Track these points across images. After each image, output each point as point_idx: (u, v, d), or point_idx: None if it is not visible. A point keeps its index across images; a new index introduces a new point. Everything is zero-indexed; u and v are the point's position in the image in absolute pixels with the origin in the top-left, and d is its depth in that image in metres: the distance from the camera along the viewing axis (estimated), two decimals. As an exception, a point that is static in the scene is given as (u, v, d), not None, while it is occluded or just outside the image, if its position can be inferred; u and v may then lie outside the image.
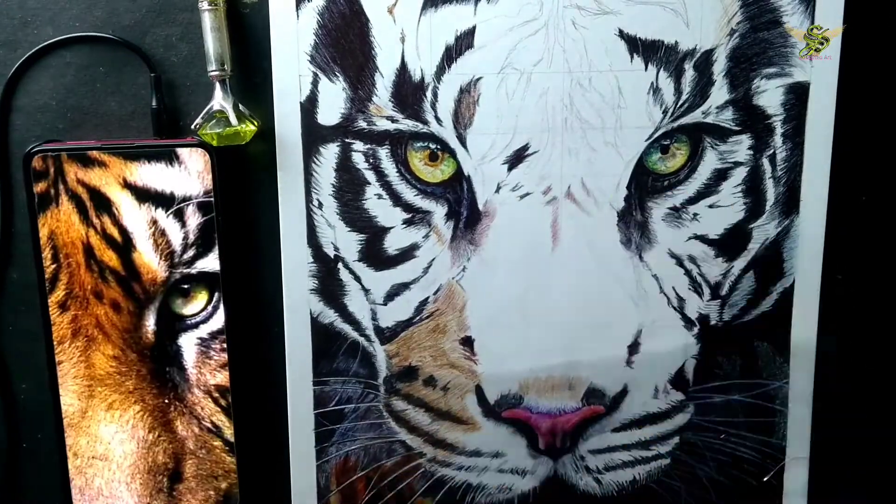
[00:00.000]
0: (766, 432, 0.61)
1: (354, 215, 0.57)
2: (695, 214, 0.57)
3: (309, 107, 0.55)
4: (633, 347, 0.59)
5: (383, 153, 0.56)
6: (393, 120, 0.55)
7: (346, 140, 0.56)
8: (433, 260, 0.57)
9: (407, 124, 0.55)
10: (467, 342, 0.58)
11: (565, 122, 0.56)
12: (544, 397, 0.59)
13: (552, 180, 0.56)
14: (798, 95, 0.56)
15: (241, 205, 0.56)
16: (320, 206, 0.57)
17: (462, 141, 0.56)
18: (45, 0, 0.54)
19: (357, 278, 0.58)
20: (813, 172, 0.57)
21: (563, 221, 0.57)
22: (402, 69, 0.55)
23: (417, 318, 0.58)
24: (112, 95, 0.56)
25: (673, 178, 0.57)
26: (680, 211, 0.57)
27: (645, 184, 0.57)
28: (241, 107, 0.55)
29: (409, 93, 0.55)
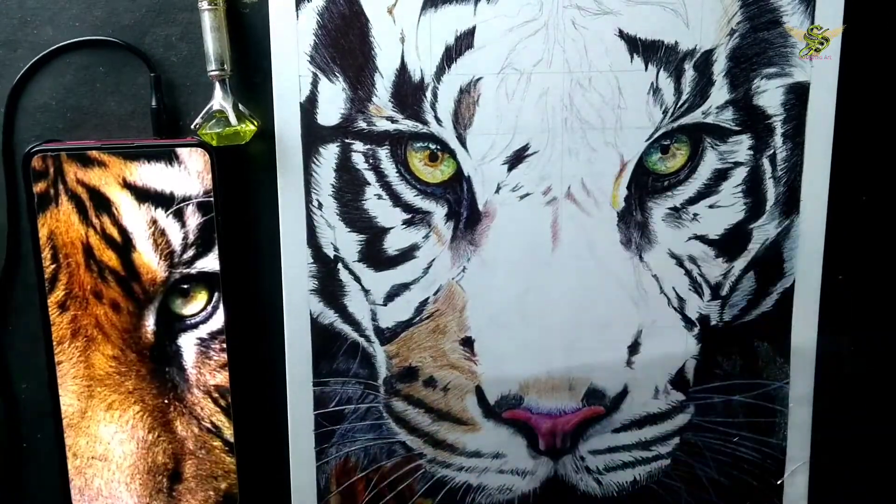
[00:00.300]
0: (766, 432, 0.61)
1: (354, 216, 0.57)
2: (695, 215, 0.57)
3: (309, 107, 0.55)
4: (634, 348, 0.59)
5: (383, 153, 0.56)
6: (393, 120, 0.55)
7: (346, 140, 0.56)
8: (433, 260, 0.57)
9: (407, 125, 0.55)
10: (467, 343, 0.58)
11: (565, 122, 0.56)
12: (544, 398, 0.59)
13: (552, 180, 0.56)
14: (798, 95, 0.56)
15: (241, 205, 0.56)
16: (320, 206, 0.56)
17: (462, 141, 0.56)
18: (44, 0, 0.54)
19: (357, 279, 0.58)
20: (813, 172, 0.57)
21: (563, 222, 0.57)
22: (402, 69, 0.55)
23: (417, 318, 0.58)
24: (112, 95, 0.56)
25: (673, 179, 0.57)
26: (680, 211, 0.57)
27: (645, 184, 0.57)
28: (240, 107, 0.55)
29: (408, 93, 0.55)
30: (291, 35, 0.54)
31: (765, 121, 0.56)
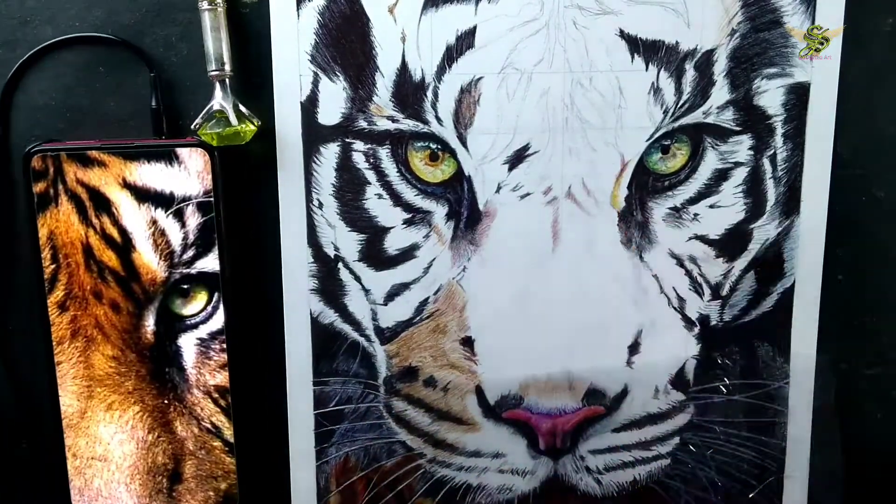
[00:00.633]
0: (766, 433, 0.61)
1: (355, 215, 0.57)
2: (695, 215, 0.57)
3: (309, 106, 0.55)
4: (634, 348, 0.59)
5: (384, 153, 0.56)
6: (393, 120, 0.55)
7: (347, 140, 0.56)
8: (433, 260, 0.57)
9: (407, 124, 0.55)
10: (467, 342, 0.58)
11: (566, 122, 0.56)
12: (544, 398, 0.59)
13: (553, 180, 0.56)
14: (798, 96, 0.56)
15: (241, 204, 0.56)
16: (320, 205, 0.56)
17: (462, 141, 0.56)
18: (44, 0, 0.54)
19: (357, 278, 0.58)
20: (813, 173, 0.57)
21: (563, 221, 0.57)
22: (403, 69, 0.55)
23: (417, 318, 0.58)
24: (112, 95, 0.56)
25: (673, 179, 0.57)
26: (680, 211, 0.57)
27: (645, 184, 0.57)
28: (241, 107, 0.54)
29: (409, 92, 0.55)
30: (292, 34, 0.54)
31: (765, 121, 0.56)
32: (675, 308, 0.59)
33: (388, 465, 0.60)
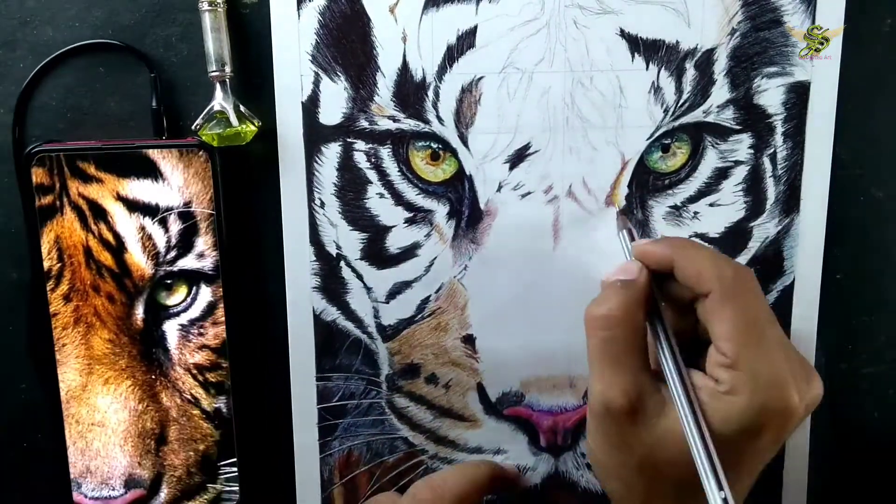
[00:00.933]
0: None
1: (356, 214, 0.57)
2: (695, 213, 0.57)
3: (311, 106, 0.55)
4: (634, 344, 0.59)
5: (385, 152, 0.56)
6: (394, 119, 0.55)
7: (348, 139, 0.56)
8: (435, 259, 0.58)
9: (409, 124, 0.55)
10: (469, 340, 0.59)
11: (567, 121, 0.56)
12: (545, 395, 0.59)
13: (553, 179, 0.56)
14: (799, 95, 0.56)
15: (243, 204, 0.57)
16: (322, 205, 0.57)
17: (464, 140, 0.56)
18: (44, 0, 0.54)
19: (359, 276, 0.58)
20: (813, 171, 0.57)
21: (564, 220, 0.57)
22: (404, 69, 0.55)
23: (419, 316, 0.59)
24: (112, 96, 0.55)
25: (674, 177, 0.57)
26: (680, 209, 0.57)
27: (646, 182, 0.57)
28: (241, 107, 0.54)
29: (410, 92, 0.55)
30: (293, 34, 0.54)
31: (765, 120, 0.56)
32: (674, 305, 0.59)
33: (390, 460, 0.61)
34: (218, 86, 0.54)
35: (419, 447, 0.61)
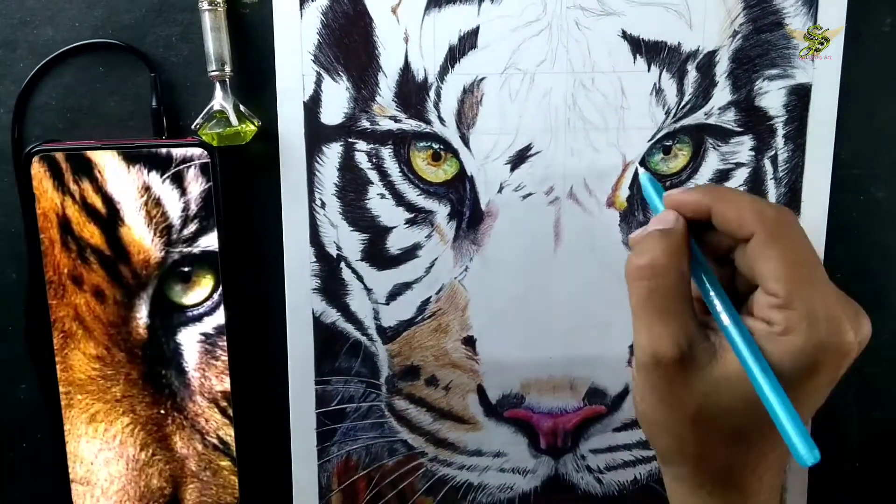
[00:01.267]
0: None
1: (357, 215, 0.57)
2: (696, 215, 0.57)
3: (312, 106, 0.55)
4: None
5: (386, 153, 0.56)
6: (396, 120, 0.55)
7: (350, 140, 0.56)
8: (435, 260, 0.57)
9: (410, 124, 0.55)
10: (469, 342, 0.59)
11: (568, 122, 0.56)
12: (545, 397, 0.59)
13: (555, 180, 0.56)
14: (800, 97, 0.56)
15: (243, 204, 0.56)
16: (323, 205, 0.56)
17: (465, 141, 0.56)
18: (44, 0, 0.54)
19: (359, 278, 0.58)
20: (814, 173, 0.57)
21: (565, 222, 0.57)
22: (406, 69, 0.55)
23: (419, 317, 0.58)
24: (112, 95, 0.55)
25: (675, 179, 0.57)
26: (682, 211, 0.57)
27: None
28: (241, 107, 0.54)
29: (412, 93, 0.55)
30: (295, 34, 0.54)
31: (766, 122, 0.57)
32: (675, 307, 0.59)
33: (389, 463, 0.61)
34: (218, 85, 0.54)
35: (419, 450, 0.60)
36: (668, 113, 0.56)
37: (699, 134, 0.56)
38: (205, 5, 0.53)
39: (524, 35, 0.54)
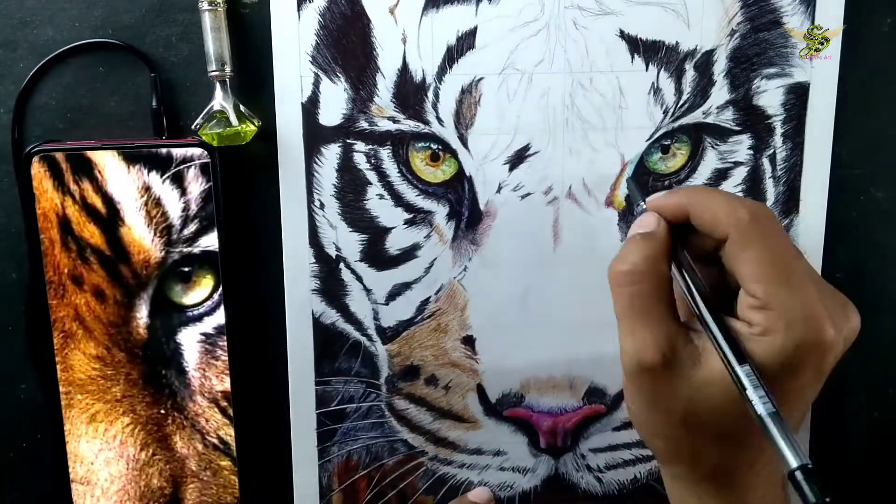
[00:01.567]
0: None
1: (356, 215, 0.57)
2: (695, 214, 0.57)
3: (310, 107, 0.55)
4: (634, 346, 0.59)
5: (385, 154, 0.56)
6: (394, 120, 0.55)
7: (348, 140, 0.56)
8: (434, 260, 0.58)
9: (408, 125, 0.55)
10: (468, 341, 0.59)
11: (566, 122, 0.56)
12: (545, 396, 0.59)
13: (553, 180, 0.56)
14: (798, 96, 0.56)
15: (242, 205, 0.56)
16: (322, 206, 0.57)
17: (463, 141, 0.56)
18: (44, 0, 0.54)
19: (359, 278, 0.58)
20: (813, 172, 0.57)
21: (564, 221, 0.57)
22: (404, 70, 0.55)
23: (419, 317, 0.58)
24: (112, 95, 0.55)
25: (674, 178, 0.57)
26: (680, 211, 0.57)
27: (646, 184, 0.57)
28: (241, 107, 0.54)
29: (410, 93, 0.55)
30: (293, 35, 0.54)
31: (765, 121, 0.57)
32: (674, 306, 0.59)
33: (389, 463, 0.61)
34: (218, 85, 0.54)
35: (419, 449, 0.60)
36: (666, 112, 0.56)
37: (697, 133, 0.56)
38: (205, 5, 0.53)
39: (522, 35, 0.55)
